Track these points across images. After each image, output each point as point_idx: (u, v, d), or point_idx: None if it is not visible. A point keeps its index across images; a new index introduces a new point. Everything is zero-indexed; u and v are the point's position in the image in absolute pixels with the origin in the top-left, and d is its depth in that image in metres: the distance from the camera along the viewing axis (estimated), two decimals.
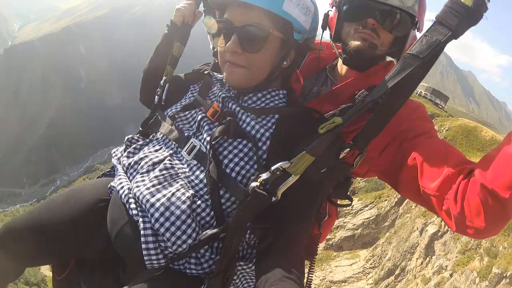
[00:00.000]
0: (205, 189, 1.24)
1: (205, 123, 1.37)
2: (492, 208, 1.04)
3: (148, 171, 1.29)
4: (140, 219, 1.19)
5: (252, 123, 1.32)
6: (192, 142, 1.34)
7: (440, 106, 42.10)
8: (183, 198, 1.19)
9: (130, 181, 1.33)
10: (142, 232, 1.16)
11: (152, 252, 1.16)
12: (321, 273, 16.10)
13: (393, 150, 1.44)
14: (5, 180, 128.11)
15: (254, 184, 1.12)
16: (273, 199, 1.13)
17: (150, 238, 1.16)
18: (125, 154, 1.46)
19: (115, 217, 1.26)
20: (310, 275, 1.59)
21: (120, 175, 1.37)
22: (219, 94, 1.44)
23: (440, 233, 12.21)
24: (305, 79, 1.75)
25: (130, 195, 1.25)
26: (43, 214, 1.33)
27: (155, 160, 1.32)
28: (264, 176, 1.12)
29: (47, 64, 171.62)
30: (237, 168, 1.24)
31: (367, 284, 14.83)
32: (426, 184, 1.24)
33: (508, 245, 9.51)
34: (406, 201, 16.13)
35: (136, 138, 1.56)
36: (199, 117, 1.39)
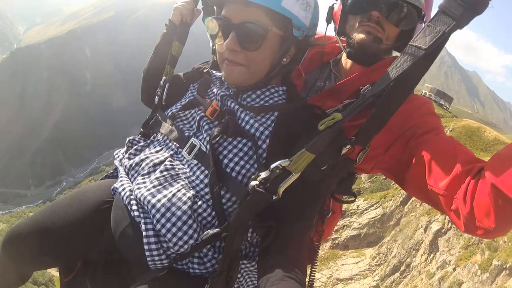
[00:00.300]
0: (206, 189, 1.24)
1: (204, 123, 1.36)
2: (502, 208, 1.01)
3: (149, 172, 1.30)
4: (142, 221, 1.19)
5: (251, 121, 1.31)
6: (192, 142, 1.33)
7: (445, 107, 42.31)
8: (184, 198, 1.19)
9: (132, 183, 1.33)
10: (144, 233, 1.17)
11: (155, 253, 1.17)
12: (327, 271, 16.50)
13: (400, 148, 1.41)
14: (11, 181, 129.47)
15: (253, 183, 1.11)
16: (274, 197, 1.11)
17: (152, 239, 1.17)
18: (127, 155, 1.46)
19: (118, 218, 1.27)
20: (312, 273, 1.57)
21: (121, 176, 1.37)
22: (218, 92, 1.42)
23: (443, 230, 12.60)
24: (308, 74, 1.71)
25: (132, 197, 1.25)
26: (48, 218, 1.33)
27: (156, 161, 1.32)
28: (263, 174, 1.11)
29: (53, 67, 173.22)
30: (237, 168, 1.24)
31: (373, 281, 15.24)
32: (434, 183, 1.21)
33: (508, 239, 9.90)
34: (411, 200, 16.50)
35: (137, 139, 1.55)
36: (199, 116, 1.39)
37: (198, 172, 1.28)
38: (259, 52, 1.28)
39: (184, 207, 1.17)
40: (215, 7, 1.45)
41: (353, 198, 1.56)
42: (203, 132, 1.34)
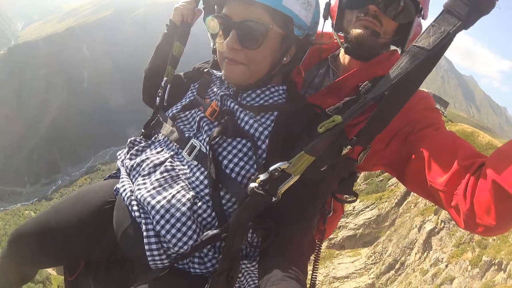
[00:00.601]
0: (206, 190, 1.24)
1: (204, 123, 1.36)
2: (503, 206, 0.99)
3: (149, 173, 1.30)
4: (143, 221, 1.20)
5: (251, 121, 1.30)
6: (192, 143, 1.33)
7: (440, 112, 43.00)
8: (183, 200, 1.19)
9: (132, 183, 1.34)
10: (144, 233, 1.18)
11: (155, 253, 1.17)
12: (324, 270, 16.91)
13: (399, 143, 1.39)
14: (6, 179, 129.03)
15: (252, 185, 1.11)
16: (273, 199, 1.11)
17: (153, 239, 1.17)
18: (128, 156, 1.46)
19: (119, 219, 1.28)
20: (314, 272, 1.58)
21: (123, 177, 1.38)
22: (218, 92, 1.42)
23: (436, 230, 13.09)
24: (307, 71, 1.70)
25: (132, 197, 1.26)
26: (51, 218, 1.35)
27: (156, 162, 1.32)
28: (262, 177, 1.11)
29: (50, 64, 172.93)
30: (237, 169, 1.23)
31: (369, 279, 15.67)
32: (433, 179, 1.19)
33: (497, 237, 10.40)
34: (406, 201, 16.98)
35: (138, 140, 1.55)
36: (198, 117, 1.38)
37: (198, 173, 1.28)
38: (259, 50, 1.28)
39: (183, 209, 1.18)
40: (215, 7, 1.45)
41: (355, 198, 1.54)
42: (203, 133, 1.34)
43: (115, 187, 1.39)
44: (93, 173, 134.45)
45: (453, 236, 12.04)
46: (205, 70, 1.63)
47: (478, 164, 1.11)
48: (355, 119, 1.27)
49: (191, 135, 1.38)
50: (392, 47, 1.64)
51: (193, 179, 1.28)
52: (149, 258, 1.18)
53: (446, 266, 11.68)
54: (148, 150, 1.45)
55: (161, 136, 1.46)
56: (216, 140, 1.27)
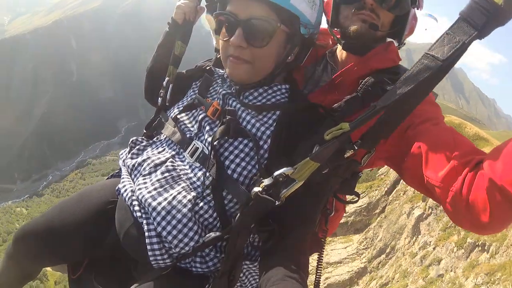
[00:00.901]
0: (207, 191, 1.23)
1: (206, 123, 1.34)
2: (500, 204, 0.98)
3: (150, 173, 1.29)
4: (144, 221, 1.20)
5: (253, 121, 1.29)
6: (194, 144, 1.31)
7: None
8: (184, 201, 1.19)
9: (134, 183, 1.33)
10: (146, 233, 1.18)
11: (157, 252, 1.17)
12: (317, 256, 17.52)
13: (398, 137, 1.36)
14: None
15: (256, 189, 1.10)
16: (277, 203, 1.10)
17: (155, 239, 1.17)
18: (129, 155, 1.46)
19: (121, 218, 1.29)
20: (318, 270, 1.59)
21: (124, 177, 1.39)
22: (220, 91, 1.41)
23: (424, 215, 13.67)
24: (305, 68, 1.70)
25: (134, 197, 1.26)
26: (55, 217, 1.37)
27: (157, 161, 1.32)
28: (266, 181, 1.10)
29: (38, 57, 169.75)
30: (238, 169, 1.22)
31: (361, 263, 16.26)
32: (430, 174, 1.17)
33: None
34: (395, 190, 17.54)
35: (140, 139, 1.55)
36: (200, 117, 1.37)
37: (199, 174, 1.26)
38: (266, 49, 1.27)
39: (184, 210, 1.17)
40: (218, 4, 1.41)
41: (356, 198, 1.54)
42: (204, 132, 1.33)
43: (117, 187, 1.40)
44: (83, 167, 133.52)
45: (440, 221, 12.59)
46: (207, 68, 1.60)
47: (475, 161, 1.09)
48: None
49: (192, 135, 1.37)
50: (388, 40, 1.63)
51: (195, 179, 1.26)
52: (151, 258, 1.18)
53: (434, 248, 12.30)
54: (149, 150, 1.44)
55: (163, 137, 1.45)
56: (218, 141, 1.26)
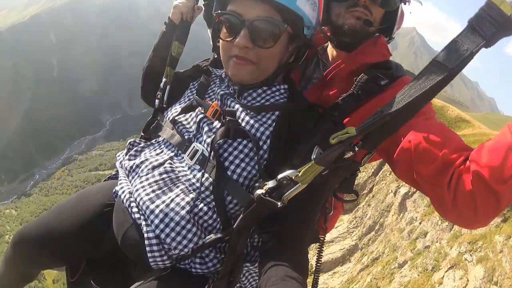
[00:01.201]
0: (207, 192, 1.22)
1: (204, 124, 1.33)
2: (486, 200, 1.02)
3: (147, 175, 1.27)
4: (143, 223, 1.19)
5: (252, 121, 1.28)
6: (194, 147, 1.30)
7: None
8: (183, 203, 1.18)
9: (131, 185, 1.32)
10: (145, 235, 1.17)
11: (157, 254, 1.17)
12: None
13: None
14: None
15: (259, 191, 1.10)
16: (279, 205, 1.09)
17: (154, 241, 1.17)
18: (127, 157, 1.44)
19: (119, 220, 1.28)
20: (317, 269, 1.60)
21: (121, 179, 1.37)
22: (218, 91, 1.40)
23: (410, 193, 14.27)
24: (299, 66, 1.69)
25: (132, 199, 1.25)
26: (52, 221, 1.36)
27: (155, 163, 1.30)
28: (270, 184, 1.10)
29: (17, 54, 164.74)
30: (238, 170, 1.22)
31: (352, 241, 16.90)
32: (419, 169, 1.20)
33: None
34: (382, 170, 18.10)
35: (137, 141, 1.54)
36: (198, 118, 1.35)
37: (199, 175, 1.25)
38: (271, 50, 1.27)
39: (182, 212, 1.17)
40: (215, 3, 1.39)
41: (355, 197, 1.55)
42: (203, 134, 1.31)
43: (114, 189, 1.38)
44: (70, 164, 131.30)
45: (425, 198, 13.14)
46: (205, 68, 1.58)
47: (463, 158, 1.12)
48: (349, 116, 1.34)
49: (190, 136, 1.35)
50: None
51: (194, 180, 1.25)
52: (150, 260, 1.17)
53: (420, 223, 12.95)
54: (147, 151, 1.42)
55: (161, 139, 1.44)
56: (218, 142, 1.25)
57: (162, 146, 1.41)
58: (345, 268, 16.47)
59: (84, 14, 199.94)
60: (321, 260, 1.61)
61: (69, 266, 1.51)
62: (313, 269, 1.64)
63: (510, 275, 8.59)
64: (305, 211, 1.26)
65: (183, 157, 1.32)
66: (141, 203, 1.21)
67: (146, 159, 1.34)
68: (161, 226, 1.15)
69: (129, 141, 1.53)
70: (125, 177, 1.39)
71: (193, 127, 1.37)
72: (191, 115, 1.42)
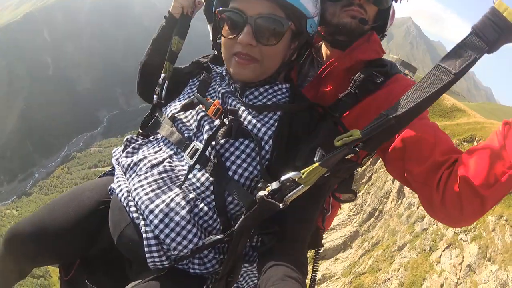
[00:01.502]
0: (207, 192, 1.21)
1: (205, 122, 1.31)
2: (472, 202, 1.06)
3: (146, 173, 1.25)
4: (142, 222, 1.17)
5: (254, 121, 1.27)
6: (194, 146, 1.28)
7: (409, 77, 44.84)
8: (183, 203, 1.17)
9: (129, 183, 1.30)
10: (144, 235, 1.15)
11: (155, 254, 1.15)
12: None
13: None
14: None
15: (262, 193, 1.09)
16: (281, 206, 1.09)
17: (153, 241, 1.15)
18: (124, 154, 1.42)
19: (116, 219, 1.26)
20: (314, 269, 1.60)
21: (118, 176, 1.35)
22: (219, 89, 1.38)
23: None
24: (296, 65, 1.67)
25: (130, 198, 1.23)
26: (46, 217, 1.33)
27: (154, 162, 1.28)
28: (274, 186, 1.09)
29: (11, 53, 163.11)
30: (240, 170, 1.20)
31: (353, 227, 17.50)
32: (410, 168, 1.22)
33: None
34: (380, 159, 18.82)
35: (135, 137, 1.51)
36: (199, 116, 1.33)
37: (199, 174, 1.23)
38: (275, 47, 1.26)
39: (183, 212, 1.15)
40: (216, 0, 1.36)
41: (354, 197, 1.54)
42: (204, 132, 1.29)
43: (110, 187, 1.36)
44: (69, 161, 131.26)
45: None
46: (205, 65, 1.56)
47: (452, 160, 1.16)
48: (348, 114, 1.38)
49: (190, 134, 1.34)
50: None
51: (194, 180, 1.23)
52: (148, 260, 1.16)
53: (417, 208, 13.54)
54: (145, 149, 1.40)
55: (160, 136, 1.42)
56: (220, 142, 1.24)
57: (161, 144, 1.38)
58: (346, 254, 17.09)
59: (76, 11, 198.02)
60: (319, 257, 1.64)
61: (62, 264, 1.48)
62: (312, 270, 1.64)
63: (502, 251, 9.20)
64: (305, 212, 1.26)
65: (182, 156, 1.30)
66: (139, 202, 1.19)
67: (145, 157, 1.32)
68: (161, 226, 1.14)
69: (126, 137, 1.51)
70: (122, 174, 1.36)
71: (194, 125, 1.35)
72: (191, 112, 1.39)
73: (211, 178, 1.21)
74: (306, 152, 1.16)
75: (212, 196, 1.21)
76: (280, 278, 1.04)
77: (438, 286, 10.09)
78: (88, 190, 1.43)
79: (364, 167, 19.85)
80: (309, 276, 1.47)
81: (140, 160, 1.32)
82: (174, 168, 1.26)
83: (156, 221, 1.14)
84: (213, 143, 1.23)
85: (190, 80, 1.54)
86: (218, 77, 1.47)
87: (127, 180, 1.32)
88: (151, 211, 1.15)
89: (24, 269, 1.53)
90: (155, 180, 1.22)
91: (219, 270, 1.19)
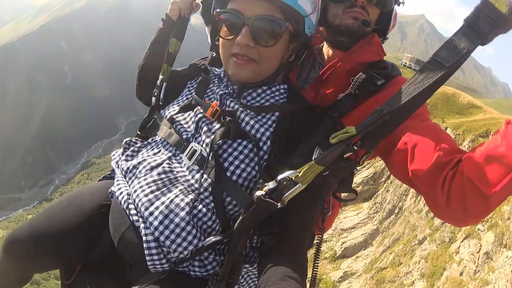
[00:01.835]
0: (206, 193, 1.21)
1: (203, 124, 1.31)
2: (476, 202, 1.05)
3: (146, 175, 1.25)
4: (142, 225, 1.17)
5: (252, 122, 1.27)
6: (192, 147, 1.28)
7: None
8: (182, 204, 1.16)
9: (129, 186, 1.30)
10: (144, 238, 1.15)
11: (155, 257, 1.15)
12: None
13: None
14: (3, 186, 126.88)
15: (259, 193, 1.09)
16: (279, 206, 1.09)
17: (153, 244, 1.15)
18: (123, 157, 1.41)
19: (116, 222, 1.26)
20: (314, 269, 1.60)
21: (118, 179, 1.35)
22: (217, 91, 1.38)
23: None
24: (296, 66, 1.64)
25: (130, 201, 1.24)
26: (44, 222, 1.31)
27: (153, 164, 1.28)
28: (270, 185, 1.09)
29: (30, 64, 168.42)
30: (238, 171, 1.21)
31: (373, 225, 17.96)
32: (415, 170, 1.21)
33: None
34: None
35: (134, 140, 1.50)
36: (197, 117, 1.33)
37: (197, 176, 1.23)
38: (273, 48, 1.25)
39: (182, 214, 1.15)
40: (214, 1, 1.36)
41: (354, 196, 1.54)
42: (202, 133, 1.29)
43: (110, 190, 1.36)
44: (88, 168, 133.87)
45: None
46: (203, 67, 1.57)
47: (457, 160, 1.15)
48: (347, 114, 1.38)
49: (188, 136, 1.34)
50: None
51: (192, 181, 1.24)
52: (149, 263, 1.16)
53: None
54: (144, 151, 1.40)
55: (158, 138, 1.42)
56: (218, 143, 1.24)
57: (160, 146, 1.39)
58: (367, 252, 17.57)
59: (91, 21, 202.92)
60: (319, 257, 1.64)
61: (63, 268, 1.48)
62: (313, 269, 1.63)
63: None
64: (305, 212, 1.26)
65: (181, 157, 1.30)
66: (139, 204, 1.19)
67: (144, 160, 1.33)
68: (161, 228, 1.14)
69: (125, 140, 1.51)
70: (122, 177, 1.36)
71: (192, 127, 1.35)
72: (189, 114, 1.40)
73: (209, 179, 1.21)
74: (304, 152, 1.17)
75: (211, 197, 1.21)
76: (280, 278, 1.05)
77: (457, 274, 10.63)
78: (89, 194, 1.43)
79: (383, 166, 20.22)
80: (309, 277, 1.46)
81: (139, 163, 1.32)
82: (173, 169, 1.27)
83: (155, 223, 1.14)
84: (211, 143, 1.23)
85: (189, 82, 1.55)
86: (216, 79, 1.48)
87: (127, 183, 1.32)
88: (151, 213, 1.15)
89: (24, 275, 1.52)
90: (154, 182, 1.22)
91: (220, 272, 1.19)
